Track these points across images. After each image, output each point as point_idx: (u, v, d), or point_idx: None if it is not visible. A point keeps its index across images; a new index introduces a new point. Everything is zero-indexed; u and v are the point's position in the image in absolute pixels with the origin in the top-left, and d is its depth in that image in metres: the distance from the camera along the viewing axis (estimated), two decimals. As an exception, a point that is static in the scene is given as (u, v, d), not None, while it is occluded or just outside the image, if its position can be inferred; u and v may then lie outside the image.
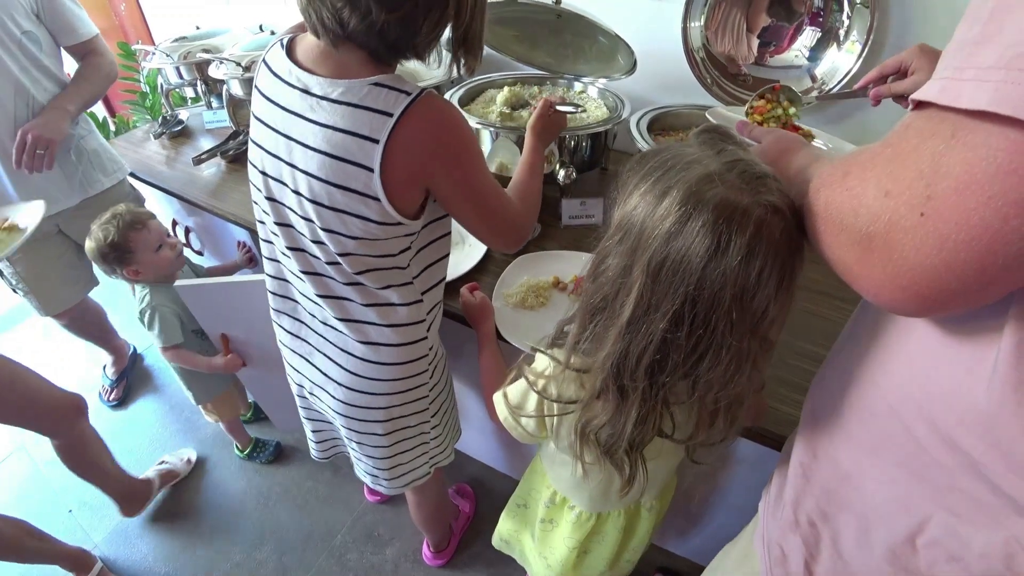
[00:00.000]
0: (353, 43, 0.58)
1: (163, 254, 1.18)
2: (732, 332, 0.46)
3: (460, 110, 0.66)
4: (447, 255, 0.81)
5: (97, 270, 1.30)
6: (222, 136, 1.51)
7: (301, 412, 0.99)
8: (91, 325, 1.67)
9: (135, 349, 1.89)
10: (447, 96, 1.19)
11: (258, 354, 1.19)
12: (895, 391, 0.43)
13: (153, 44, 1.72)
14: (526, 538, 0.93)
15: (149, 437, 1.71)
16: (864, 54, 1.05)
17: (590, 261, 0.55)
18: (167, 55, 1.53)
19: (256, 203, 0.75)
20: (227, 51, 1.49)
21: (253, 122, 0.69)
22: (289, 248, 0.73)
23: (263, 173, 0.70)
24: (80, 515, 1.50)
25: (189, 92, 1.65)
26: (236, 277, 1.09)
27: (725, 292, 0.44)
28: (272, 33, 1.55)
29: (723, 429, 0.56)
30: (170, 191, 1.38)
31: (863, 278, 0.36)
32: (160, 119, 1.62)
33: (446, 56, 0.66)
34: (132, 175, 1.44)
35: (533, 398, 0.63)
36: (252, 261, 1.40)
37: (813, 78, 1.13)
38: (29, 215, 1.08)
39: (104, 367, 1.82)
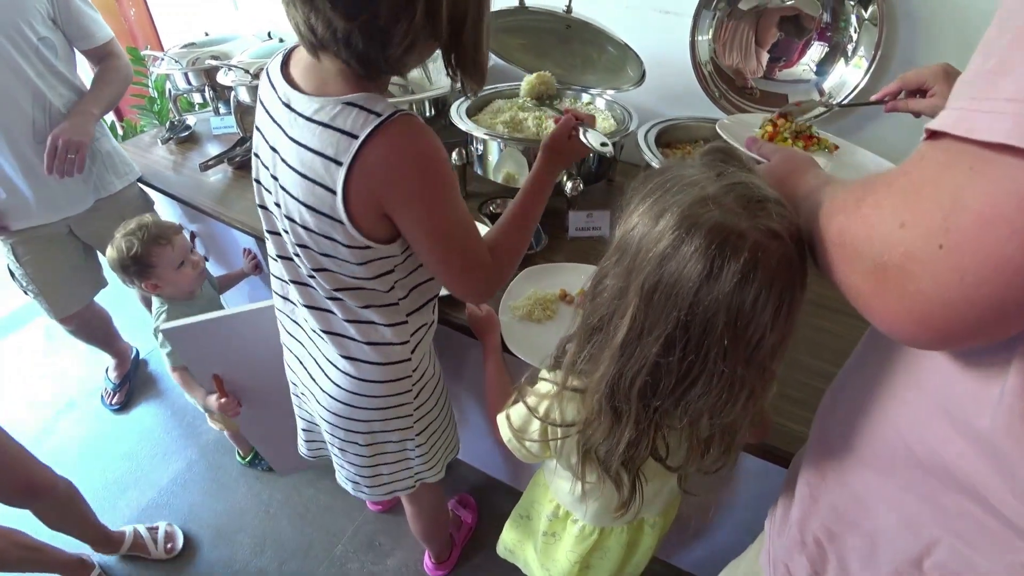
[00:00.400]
0: (329, 52, 0.55)
1: (184, 272, 1.16)
2: (725, 359, 0.45)
3: (435, 138, 0.59)
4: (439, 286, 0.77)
5: (108, 272, 1.30)
6: (229, 142, 1.51)
7: (295, 408, 0.99)
8: (97, 330, 1.68)
9: (138, 353, 1.90)
10: (454, 107, 1.19)
11: (254, 394, 1.10)
12: (904, 418, 0.43)
13: (162, 50, 1.73)
14: (529, 549, 0.92)
15: (151, 442, 1.70)
16: (872, 69, 1.05)
17: (591, 278, 0.54)
18: (176, 61, 1.54)
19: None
20: (236, 58, 1.50)
21: (255, 130, 0.70)
22: (279, 255, 0.74)
23: (256, 181, 0.71)
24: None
25: (197, 98, 1.66)
26: (227, 311, 0.99)
27: (718, 318, 0.43)
28: (281, 40, 1.56)
29: (718, 458, 0.55)
30: (176, 196, 1.38)
31: (877, 309, 0.35)
32: (168, 124, 1.63)
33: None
34: (140, 180, 1.44)
35: (535, 421, 0.63)
36: (258, 268, 1.41)
37: (821, 92, 1.14)
38: None
39: (107, 370, 1.82)
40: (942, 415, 0.39)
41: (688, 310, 0.44)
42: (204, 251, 1.61)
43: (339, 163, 0.56)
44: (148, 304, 1.54)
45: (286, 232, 0.68)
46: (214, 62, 1.52)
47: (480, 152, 1.14)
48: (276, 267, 0.80)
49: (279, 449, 1.28)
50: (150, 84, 2.04)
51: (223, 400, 1.06)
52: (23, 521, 1.22)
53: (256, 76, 1.37)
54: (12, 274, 1.39)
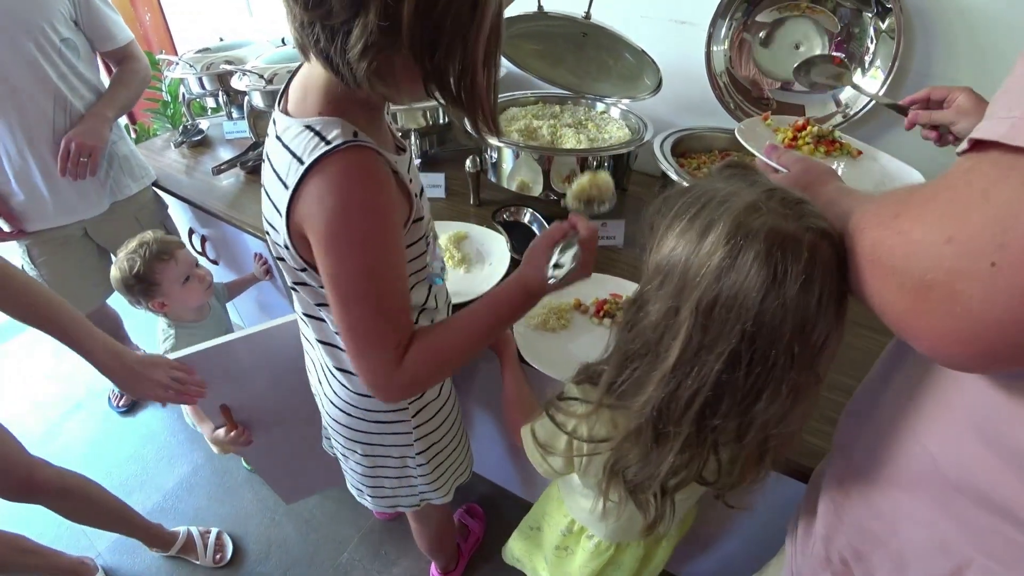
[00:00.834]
0: (310, 53, 0.50)
1: (191, 287, 1.14)
2: (792, 367, 0.44)
3: (374, 184, 0.53)
4: (426, 293, 0.73)
5: None
6: (241, 147, 1.52)
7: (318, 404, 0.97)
8: (107, 332, 1.67)
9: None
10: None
11: (260, 421, 1.06)
12: (933, 436, 0.42)
13: (176, 55, 1.74)
14: (539, 560, 0.91)
15: (157, 445, 1.70)
16: (888, 81, 1.05)
17: (627, 307, 0.52)
18: (190, 65, 1.55)
19: None
20: (250, 63, 1.50)
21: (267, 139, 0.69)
22: (276, 258, 0.72)
23: (262, 185, 0.70)
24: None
25: (210, 102, 1.67)
26: (232, 336, 0.93)
27: (785, 326, 0.42)
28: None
29: (767, 468, 0.54)
30: (188, 199, 1.38)
31: (917, 328, 0.33)
32: (181, 128, 1.63)
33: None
34: (154, 183, 1.45)
35: (563, 437, 0.61)
36: (269, 273, 1.40)
37: (837, 103, 1.13)
38: None
39: (114, 372, 1.82)
40: (974, 433, 0.38)
41: (754, 320, 0.42)
42: (216, 255, 1.61)
43: (287, 186, 0.54)
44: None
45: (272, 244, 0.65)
46: (228, 67, 1.53)
47: (494, 160, 1.13)
48: None
49: (284, 477, 1.25)
50: (164, 88, 2.05)
51: (232, 433, 1.00)
52: (30, 520, 1.21)
53: (270, 81, 1.37)
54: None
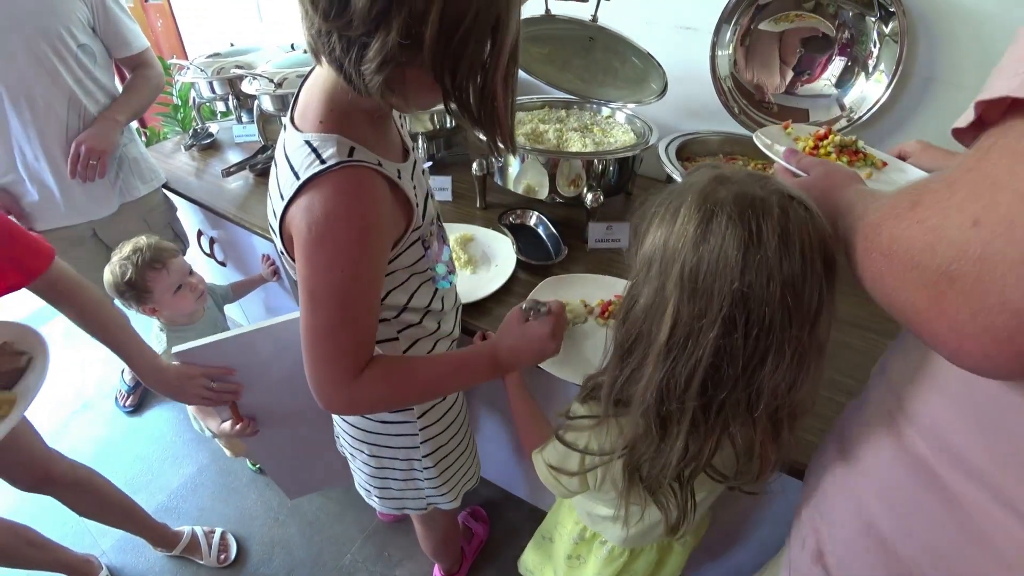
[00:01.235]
0: (322, 57, 0.51)
1: (182, 296, 1.13)
2: (792, 323, 0.44)
3: (362, 204, 0.54)
4: (430, 295, 0.72)
5: None
6: (251, 150, 1.54)
7: None
8: None
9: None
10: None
11: (266, 415, 1.06)
12: (940, 440, 0.40)
13: (187, 59, 1.77)
14: (551, 572, 0.90)
15: (162, 445, 1.71)
16: (892, 84, 1.06)
17: (620, 308, 0.53)
18: (201, 70, 1.58)
19: None
20: (259, 68, 1.53)
21: None
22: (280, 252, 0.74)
23: (268, 189, 0.71)
24: (89, 520, 1.50)
25: (220, 106, 1.69)
26: (238, 331, 0.93)
27: (774, 283, 0.42)
28: (305, 52, 1.59)
29: (784, 446, 0.53)
30: (197, 201, 1.40)
31: (941, 329, 0.29)
32: (191, 132, 1.66)
33: None
34: (163, 185, 1.47)
35: (574, 456, 0.61)
36: (276, 274, 1.42)
37: (842, 107, 1.14)
38: (35, 379, 0.86)
39: (122, 372, 1.83)
40: (995, 444, 0.37)
41: (740, 280, 0.42)
42: (223, 257, 1.62)
43: (283, 197, 0.56)
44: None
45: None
46: (239, 71, 1.55)
47: (501, 164, 1.14)
48: None
49: (288, 472, 1.25)
50: (174, 92, 2.08)
51: (239, 426, 1.00)
52: (37, 516, 1.22)
53: (279, 85, 1.39)
54: None
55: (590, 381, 0.61)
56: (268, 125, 1.52)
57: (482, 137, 0.55)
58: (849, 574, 0.50)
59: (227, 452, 1.49)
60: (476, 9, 0.45)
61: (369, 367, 0.58)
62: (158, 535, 1.36)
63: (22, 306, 2.15)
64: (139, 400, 1.82)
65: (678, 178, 1.04)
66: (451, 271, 0.78)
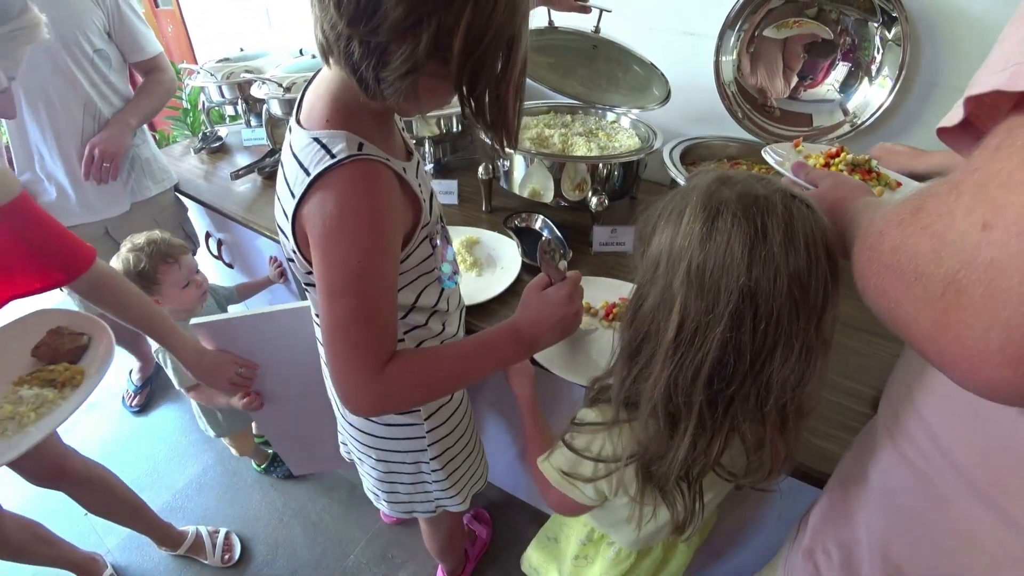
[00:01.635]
0: (335, 58, 0.51)
1: (188, 292, 1.18)
2: (799, 317, 0.44)
3: (376, 197, 0.54)
4: (437, 295, 0.73)
5: None
6: (259, 153, 1.56)
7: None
8: (124, 331, 1.71)
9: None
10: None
11: (276, 393, 1.11)
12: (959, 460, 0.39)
13: (197, 64, 1.80)
14: (555, 571, 0.90)
15: (168, 445, 1.72)
16: (896, 89, 1.06)
17: (626, 310, 0.53)
18: (211, 74, 1.60)
19: None
20: (268, 72, 1.55)
21: None
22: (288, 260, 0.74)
23: (276, 190, 0.71)
24: (95, 519, 1.49)
25: (229, 110, 1.72)
26: (255, 311, 1.00)
27: (780, 278, 0.43)
28: (313, 57, 1.61)
29: (792, 438, 0.53)
30: (206, 203, 1.42)
31: (948, 347, 0.26)
32: (200, 135, 1.68)
33: None
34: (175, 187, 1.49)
35: (586, 464, 0.60)
36: (283, 276, 1.43)
37: (845, 112, 1.14)
38: (101, 356, 0.89)
39: (130, 372, 1.85)
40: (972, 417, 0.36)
41: (747, 275, 0.43)
42: (231, 258, 1.64)
43: (294, 195, 0.56)
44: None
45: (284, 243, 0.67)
46: (248, 75, 1.58)
47: (507, 168, 1.16)
48: None
49: (296, 449, 1.28)
50: (184, 96, 2.11)
51: (245, 400, 1.06)
52: (43, 514, 1.23)
53: (288, 89, 1.41)
54: None
55: (596, 383, 0.61)
56: (276, 129, 1.54)
57: (488, 139, 0.57)
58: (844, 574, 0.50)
59: (233, 451, 1.51)
60: (497, 25, 0.47)
61: (392, 360, 0.57)
62: (163, 534, 1.37)
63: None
64: (145, 400, 1.83)
65: (682, 182, 1.05)
66: (456, 271, 0.79)
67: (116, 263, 1.13)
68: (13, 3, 0.66)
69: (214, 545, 1.41)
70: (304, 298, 0.73)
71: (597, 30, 1.08)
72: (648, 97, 1.20)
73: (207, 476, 1.62)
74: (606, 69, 1.24)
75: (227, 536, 1.44)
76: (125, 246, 1.14)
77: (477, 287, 0.99)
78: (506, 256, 1.08)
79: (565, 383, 0.85)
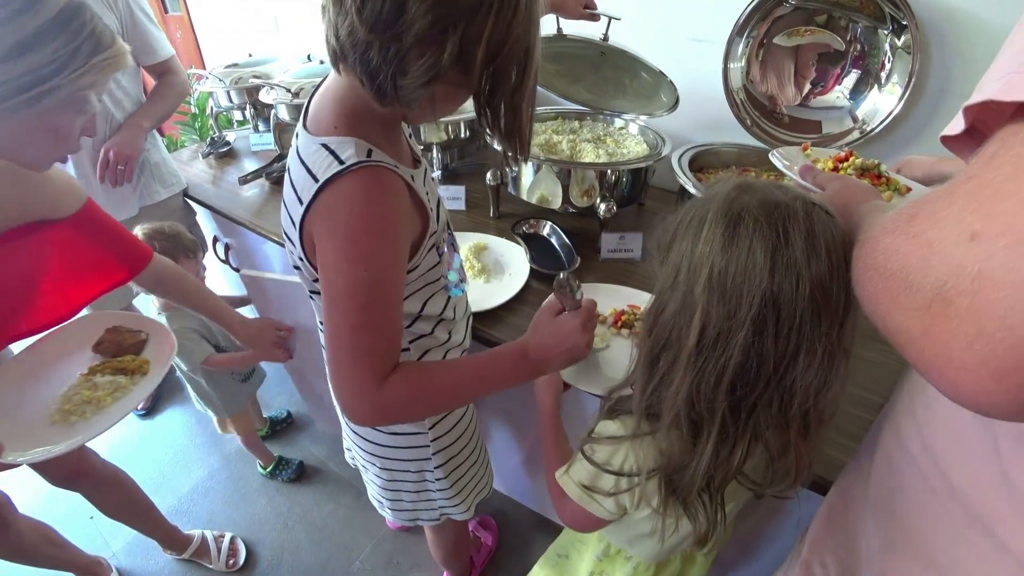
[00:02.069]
0: (347, 64, 0.51)
1: None
2: (822, 321, 0.44)
3: (383, 205, 0.54)
4: (443, 303, 0.72)
5: None
6: (267, 158, 1.56)
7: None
8: None
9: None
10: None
11: (305, 352, 1.21)
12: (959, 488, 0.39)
13: (205, 69, 1.81)
14: None
15: (174, 448, 1.72)
16: (905, 96, 1.06)
17: (645, 319, 0.53)
18: (219, 79, 1.61)
19: None
20: (277, 78, 1.56)
21: None
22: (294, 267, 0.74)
23: (283, 197, 0.71)
24: (100, 522, 1.51)
25: (237, 115, 1.72)
26: (282, 275, 1.12)
27: (803, 283, 0.43)
28: (322, 62, 1.62)
29: (813, 442, 0.53)
30: (214, 208, 1.42)
31: (934, 358, 0.26)
32: (208, 140, 1.69)
33: None
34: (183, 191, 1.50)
35: (606, 478, 0.59)
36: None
37: (854, 119, 1.14)
38: (160, 349, 0.92)
39: (135, 377, 1.86)
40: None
41: (770, 280, 0.43)
42: (237, 263, 1.64)
43: (301, 202, 0.56)
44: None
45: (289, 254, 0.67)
46: (257, 80, 1.58)
47: (515, 173, 1.16)
48: None
49: (322, 408, 1.38)
50: (192, 101, 2.12)
51: (278, 352, 1.16)
52: (51, 517, 1.23)
53: (296, 95, 1.42)
54: None
55: (614, 394, 0.61)
56: (284, 134, 1.54)
57: (499, 147, 0.57)
58: None
59: (233, 434, 1.51)
60: (516, 35, 0.48)
61: (395, 372, 0.56)
62: (170, 537, 1.37)
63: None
64: (152, 403, 1.84)
65: (691, 189, 1.05)
66: (462, 279, 0.79)
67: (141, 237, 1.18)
68: (106, 34, 0.71)
69: (219, 550, 1.41)
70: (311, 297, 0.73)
71: (606, 37, 1.08)
72: (656, 104, 1.20)
73: (213, 480, 1.62)
74: (613, 76, 1.24)
75: (232, 541, 1.44)
76: (148, 227, 1.19)
77: (485, 293, 0.99)
78: (514, 262, 1.08)
79: (573, 392, 0.84)
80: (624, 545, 0.75)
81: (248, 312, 1.55)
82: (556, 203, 1.12)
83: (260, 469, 1.61)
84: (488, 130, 0.55)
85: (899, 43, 1.05)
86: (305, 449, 1.70)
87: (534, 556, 0.99)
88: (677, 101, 1.14)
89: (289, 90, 1.43)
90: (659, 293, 0.52)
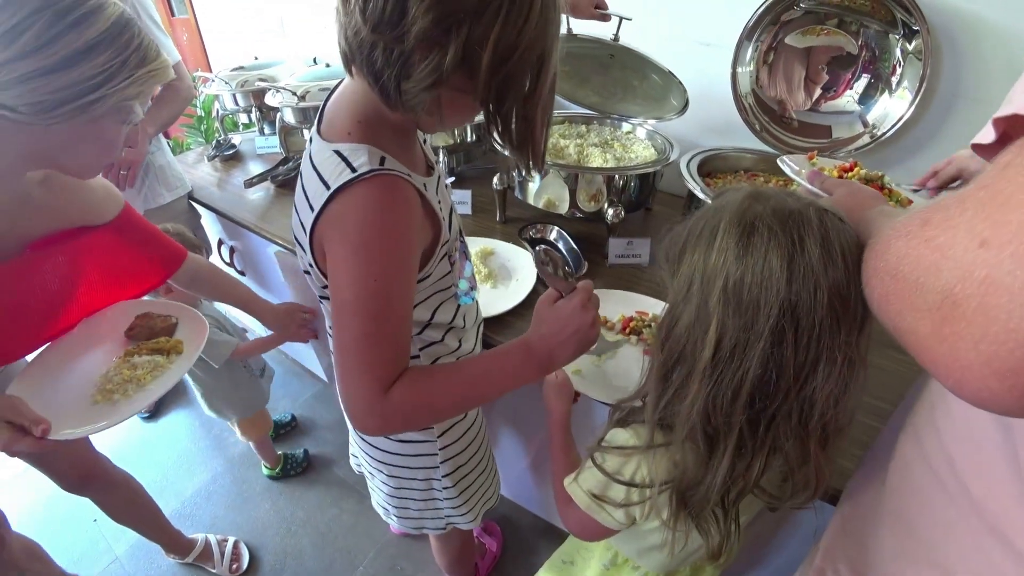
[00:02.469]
0: (357, 65, 0.50)
1: None
2: (841, 329, 0.44)
3: (395, 213, 0.53)
4: (453, 312, 0.72)
5: None
6: (272, 161, 1.56)
7: None
8: None
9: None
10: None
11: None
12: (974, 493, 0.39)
13: (212, 72, 1.81)
14: None
15: (178, 452, 1.72)
16: (916, 101, 1.05)
17: (658, 330, 0.52)
18: (225, 82, 1.61)
19: None
20: (282, 81, 1.56)
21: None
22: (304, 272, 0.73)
23: (294, 202, 0.70)
24: (104, 526, 1.50)
25: (243, 118, 1.73)
26: None
27: (821, 292, 0.43)
28: (327, 65, 1.62)
29: (832, 451, 0.52)
30: (219, 211, 1.42)
31: (942, 357, 0.28)
32: (214, 143, 1.69)
33: None
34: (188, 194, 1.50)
35: (617, 488, 0.58)
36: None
37: (865, 123, 1.13)
38: (192, 330, 0.92)
39: (139, 379, 1.85)
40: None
41: (788, 289, 0.43)
42: (242, 266, 1.64)
43: (312, 208, 0.55)
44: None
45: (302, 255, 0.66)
46: (263, 83, 1.59)
47: (521, 178, 1.15)
48: None
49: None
50: (198, 104, 2.13)
51: (304, 331, 1.24)
52: (52, 518, 1.23)
53: (302, 98, 1.42)
54: None
55: (625, 404, 0.60)
56: (290, 137, 1.54)
57: (513, 159, 0.56)
58: None
59: (241, 438, 1.50)
60: (528, 41, 0.46)
61: (399, 380, 0.56)
62: (173, 541, 1.37)
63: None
64: (156, 406, 1.83)
65: (700, 194, 1.04)
66: (473, 287, 0.78)
67: None
68: (152, 47, 0.73)
69: (222, 554, 1.40)
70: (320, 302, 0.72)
71: (616, 38, 1.07)
72: (665, 107, 1.19)
73: (216, 484, 1.62)
74: (621, 77, 1.23)
75: (235, 545, 1.43)
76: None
77: (492, 299, 0.99)
78: (521, 267, 1.07)
79: (581, 400, 0.83)
80: (633, 556, 0.74)
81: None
82: (563, 208, 1.12)
83: (265, 472, 1.60)
84: (498, 139, 0.53)
85: (910, 48, 1.04)
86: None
87: (539, 562, 0.98)
88: (687, 104, 1.13)
89: (295, 93, 1.43)
90: (671, 306, 0.51)
